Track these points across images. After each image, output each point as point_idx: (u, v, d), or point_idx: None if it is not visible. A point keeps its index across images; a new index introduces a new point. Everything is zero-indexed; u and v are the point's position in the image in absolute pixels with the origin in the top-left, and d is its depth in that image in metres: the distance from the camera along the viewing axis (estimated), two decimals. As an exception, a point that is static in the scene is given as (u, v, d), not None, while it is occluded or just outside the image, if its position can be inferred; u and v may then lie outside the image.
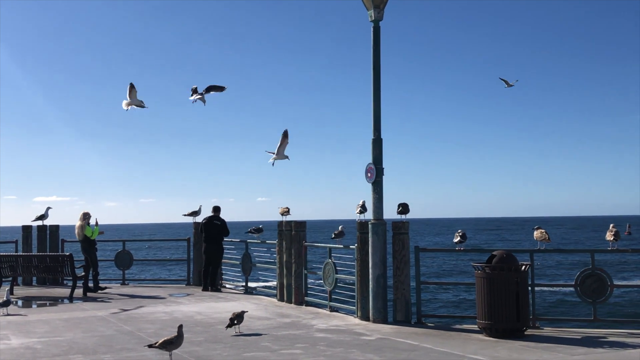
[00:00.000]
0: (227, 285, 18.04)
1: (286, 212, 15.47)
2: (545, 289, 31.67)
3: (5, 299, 13.52)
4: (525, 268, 10.73)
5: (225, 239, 18.31)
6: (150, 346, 8.99)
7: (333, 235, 14.23)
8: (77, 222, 17.42)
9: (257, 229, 16.99)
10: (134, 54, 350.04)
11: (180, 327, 9.00)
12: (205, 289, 17.27)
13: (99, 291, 17.15)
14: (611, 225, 11.96)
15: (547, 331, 11.16)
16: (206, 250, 17.58)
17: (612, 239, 11.65)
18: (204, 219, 17.79)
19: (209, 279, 17.46)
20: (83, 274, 16.58)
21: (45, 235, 19.76)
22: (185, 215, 19.92)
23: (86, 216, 17.35)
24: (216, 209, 17.77)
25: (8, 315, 13.27)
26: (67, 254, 16.47)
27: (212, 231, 17.53)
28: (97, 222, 17.56)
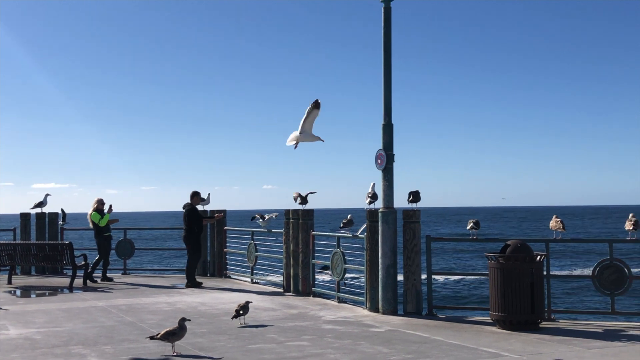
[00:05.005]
0: (232, 276, 18.10)
1: (308, 194, 15.00)
2: (562, 280, 31.65)
3: None
4: (540, 258, 10.73)
5: (229, 228, 18.36)
6: (151, 338, 9.04)
7: (342, 225, 14.21)
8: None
9: (262, 216, 16.76)
10: (134, 39, 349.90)
11: (183, 318, 9.06)
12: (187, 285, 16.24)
13: (105, 281, 17.21)
14: (630, 214, 11.92)
15: (563, 324, 11.17)
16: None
17: (631, 228, 11.61)
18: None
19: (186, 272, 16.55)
20: (83, 263, 16.68)
21: (44, 223, 19.83)
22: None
23: (97, 202, 17.40)
24: (191, 195, 16.80)
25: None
26: (67, 242, 16.58)
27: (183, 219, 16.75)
28: (109, 209, 17.57)
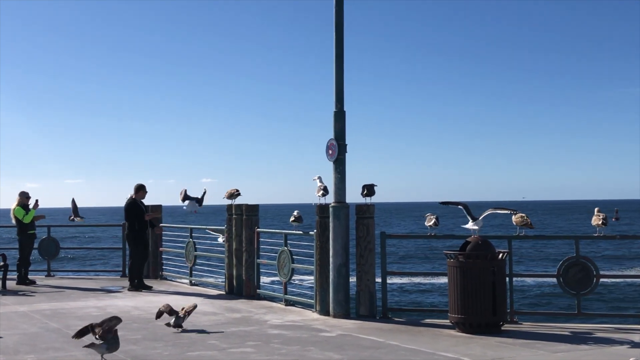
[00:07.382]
0: (169, 277, 17.93)
1: (235, 194, 15.04)
2: (525, 279, 32.22)
3: None
4: (502, 256, 10.88)
5: (165, 225, 18.20)
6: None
7: (292, 219, 13.98)
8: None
9: (191, 197, 16.40)
10: (57, 27, 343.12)
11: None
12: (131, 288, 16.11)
13: (27, 284, 16.85)
14: (596, 209, 12.06)
15: (526, 326, 11.35)
16: None
17: (600, 223, 11.76)
18: None
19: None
20: (2, 263, 16.34)
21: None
22: None
23: (21, 196, 17.00)
24: (135, 188, 16.52)
25: None
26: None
27: None
28: (35, 205, 17.08)
